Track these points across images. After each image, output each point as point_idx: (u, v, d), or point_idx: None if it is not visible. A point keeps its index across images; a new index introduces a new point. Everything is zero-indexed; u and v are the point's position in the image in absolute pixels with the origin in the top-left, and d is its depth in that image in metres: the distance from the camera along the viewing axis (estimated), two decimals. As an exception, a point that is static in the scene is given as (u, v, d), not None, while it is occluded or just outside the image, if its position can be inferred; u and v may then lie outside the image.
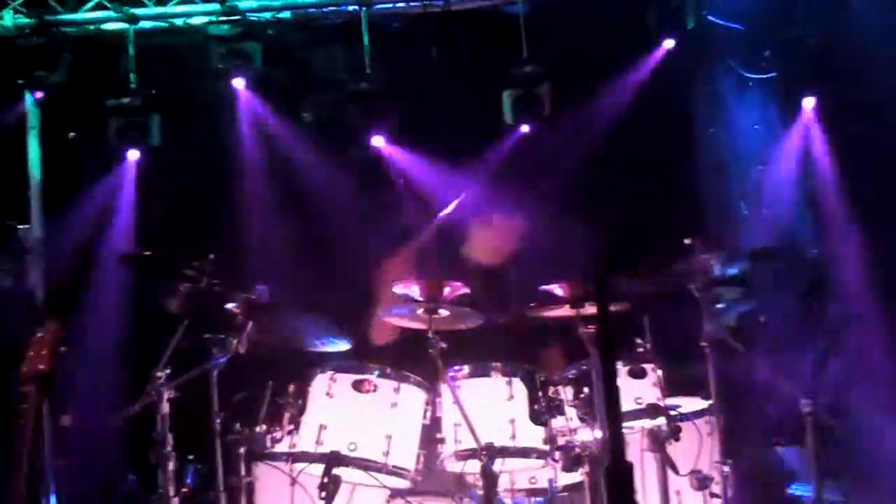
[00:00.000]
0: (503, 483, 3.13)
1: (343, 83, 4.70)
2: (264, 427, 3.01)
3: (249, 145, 4.57)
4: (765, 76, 4.72)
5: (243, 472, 2.99)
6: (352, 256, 4.30)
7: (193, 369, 3.00)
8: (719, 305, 3.55)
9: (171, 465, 2.98)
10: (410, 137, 4.70)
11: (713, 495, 3.25)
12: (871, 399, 3.92)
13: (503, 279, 3.85)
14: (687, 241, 3.24)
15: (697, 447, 3.22)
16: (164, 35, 4.85)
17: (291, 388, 3.03)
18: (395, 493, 3.06)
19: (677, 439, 2.92)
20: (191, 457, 4.52)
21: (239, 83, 4.63)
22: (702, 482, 3.23)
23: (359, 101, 4.60)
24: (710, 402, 3.25)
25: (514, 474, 3.15)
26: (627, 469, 1.60)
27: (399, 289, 3.01)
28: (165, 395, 2.95)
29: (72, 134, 4.89)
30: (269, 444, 3.01)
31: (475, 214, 3.85)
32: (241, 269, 3.11)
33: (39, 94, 4.70)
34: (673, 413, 2.99)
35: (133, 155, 4.67)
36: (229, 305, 3.05)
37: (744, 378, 3.56)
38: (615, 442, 1.65)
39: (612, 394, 1.65)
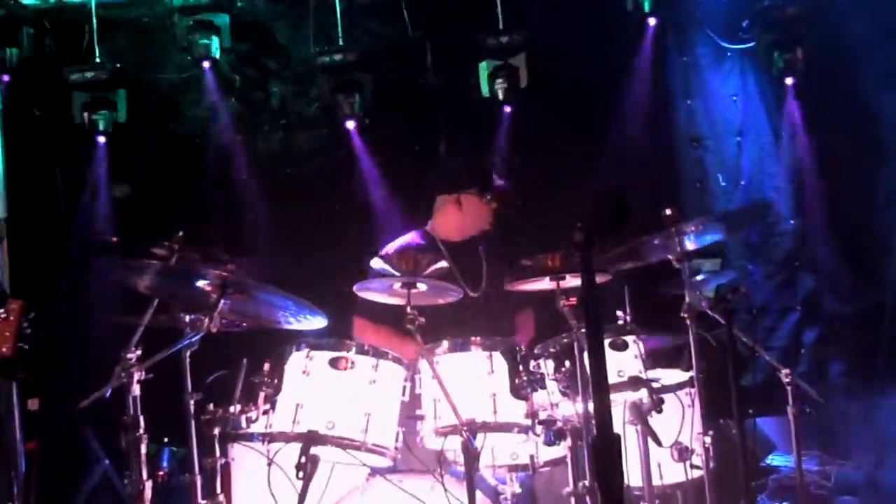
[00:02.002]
0: (484, 459, 3.10)
1: (315, 55, 4.59)
2: (239, 407, 2.93)
3: (219, 121, 4.46)
4: (743, 46, 4.69)
5: (218, 454, 2.92)
6: (326, 232, 4.23)
7: (164, 350, 2.91)
8: (699, 276, 3.54)
9: (143, 449, 2.91)
10: (384, 111, 4.62)
11: (694, 467, 3.25)
12: (847, 368, 3.94)
13: (476, 254, 3.79)
14: (666, 213, 3.22)
15: (678, 419, 3.21)
16: (127, 7, 4.70)
17: (266, 366, 2.96)
18: (375, 471, 3.01)
19: (660, 411, 2.90)
20: (165, 440, 4.47)
21: (206, 62, 4.49)
22: (682, 454, 3.23)
23: (330, 74, 4.50)
24: (691, 373, 3.25)
25: (496, 450, 3.11)
26: (615, 441, 1.57)
27: (375, 263, 2.94)
28: (136, 377, 2.87)
29: (37, 112, 4.73)
30: (244, 424, 2.94)
31: (442, 191, 3.78)
32: (212, 247, 3.02)
33: (6, 78, 4.53)
34: (655, 385, 2.97)
35: (101, 136, 4.53)
36: (200, 283, 2.97)
37: (723, 349, 3.56)
38: (603, 414, 1.61)
39: (599, 366, 1.60)
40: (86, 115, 4.49)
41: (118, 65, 4.53)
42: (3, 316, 2.76)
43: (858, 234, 4.40)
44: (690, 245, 3.30)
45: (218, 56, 4.51)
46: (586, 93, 4.58)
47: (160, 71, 4.68)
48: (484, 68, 4.56)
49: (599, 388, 1.61)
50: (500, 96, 4.58)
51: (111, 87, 4.49)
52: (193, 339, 2.92)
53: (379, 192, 4.64)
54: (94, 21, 4.55)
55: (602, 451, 1.56)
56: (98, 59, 4.55)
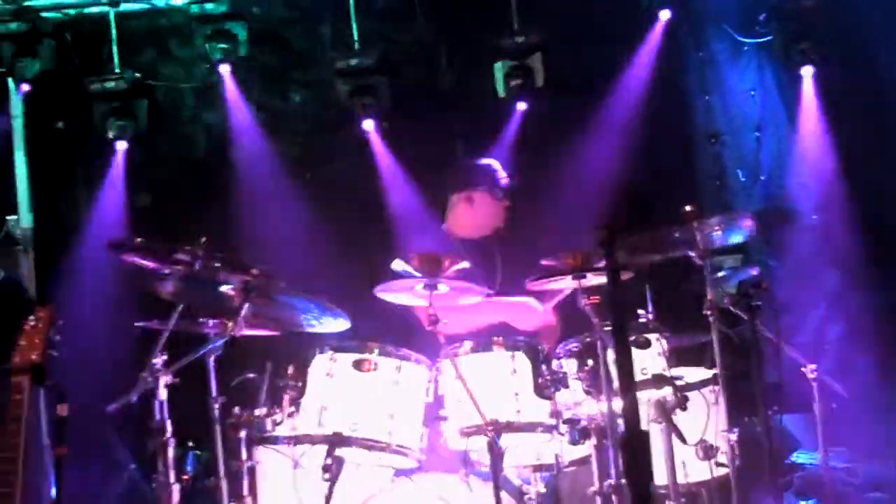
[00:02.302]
0: (508, 459, 3.10)
1: (331, 60, 4.62)
2: (264, 410, 2.96)
3: (238, 129, 4.49)
4: (760, 40, 4.66)
5: (244, 457, 2.95)
6: (348, 236, 4.25)
7: (190, 354, 2.94)
8: (721, 273, 3.52)
9: (170, 453, 2.94)
10: (401, 114, 4.64)
11: (719, 464, 3.23)
12: (873, 363, 3.90)
13: (490, 251, 3.80)
14: (686, 209, 3.20)
15: (703, 417, 3.20)
16: (146, 17, 4.75)
17: (290, 369, 2.98)
18: (400, 472, 3.02)
19: (684, 409, 2.89)
20: (190, 443, 4.51)
21: (225, 69, 4.53)
22: (707, 451, 3.22)
23: (347, 78, 4.53)
24: (715, 371, 3.23)
25: (520, 450, 3.12)
26: (643, 438, 1.57)
27: (397, 265, 2.95)
28: (162, 382, 2.90)
29: (59, 123, 4.80)
30: (269, 427, 2.97)
31: (455, 189, 3.80)
32: (234, 253, 3.05)
33: (26, 87, 4.59)
34: (679, 383, 2.96)
35: (121, 144, 4.59)
36: (224, 288, 3.00)
37: (746, 345, 3.54)
38: (631, 411, 1.61)
39: (625, 362, 1.60)
40: (107, 124, 4.54)
41: (138, 74, 4.59)
42: (32, 324, 2.80)
43: (881, 227, 4.35)
44: (713, 242, 3.29)
45: (236, 63, 4.56)
46: (602, 91, 4.57)
47: (180, 80, 4.73)
48: (499, 69, 4.57)
49: (626, 385, 1.61)
50: (516, 96, 4.58)
51: (132, 96, 4.55)
52: (218, 344, 2.95)
53: (398, 194, 4.66)
54: (114, 31, 4.61)
55: (631, 448, 1.56)
56: (118, 70, 4.61)
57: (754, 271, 3.59)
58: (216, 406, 3.02)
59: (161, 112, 4.58)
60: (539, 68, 4.52)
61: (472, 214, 3.76)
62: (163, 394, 2.92)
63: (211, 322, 3.06)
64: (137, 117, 4.51)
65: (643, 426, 3.04)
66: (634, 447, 1.55)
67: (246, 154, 4.45)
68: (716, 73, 4.72)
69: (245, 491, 2.96)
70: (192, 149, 4.55)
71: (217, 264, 3.02)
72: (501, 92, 4.64)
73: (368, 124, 4.59)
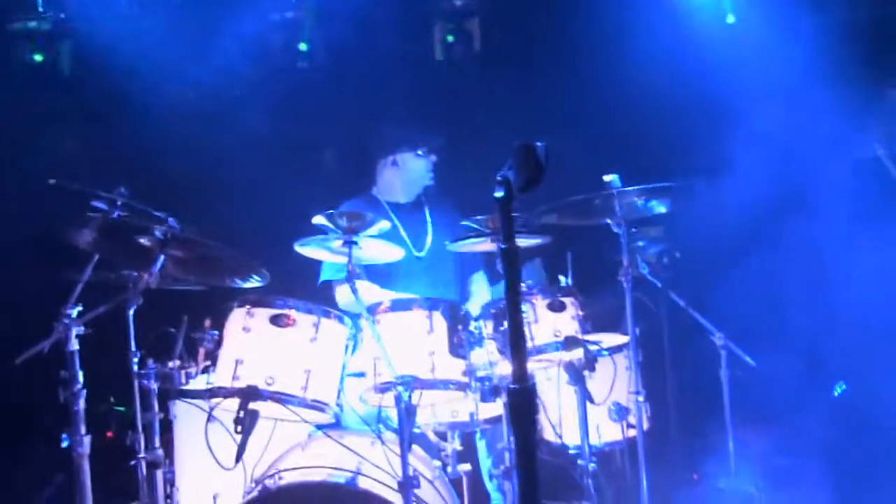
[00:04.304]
0: (426, 416, 3.16)
1: (266, 11, 4.52)
2: (178, 363, 2.94)
3: (166, 72, 4.35)
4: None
5: (157, 409, 2.93)
6: (271, 190, 4.20)
7: (103, 306, 2.90)
8: (640, 242, 3.61)
9: (81, 404, 2.91)
10: (336, 70, 4.57)
11: (630, 426, 3.35)
12: (779, 330, 4.07)
13: (421, 215, 3.84)
14: (607, 178, 3.27)
15: (615, 380, 3.30)
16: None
17: (207, 323, 2.97)
18: (316, 427, 3.05)
19: (593, 369, 2.97)
20: (112, 399, 4.45)
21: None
22: (619, 413, 3.33)
23: (283, 31, 4.45)
24: (629, 336, 3.33)
25: (436, 407, 3.18)
26: (529, 391, 1.62)
27: (317, 220, 2.95)
28: (74, 332, 2.86)
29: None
30: (183, 380, 2.95)
31: (379, 154, 3.82)
32: (154, 203, 2.99)
33: None
34: (591, 346, 3.04)
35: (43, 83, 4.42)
36: (141, 239, 2.95)
37: (660, 312, 3.65)
38: (519, 369, 1.66)
39: (515, 321, 1.65)
40: (28, 61, 4.38)
41: (62, 15, 4.41)
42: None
43: (788, 189, 4.46)
44: (633, 212, 3.37)
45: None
46: (538, 56, 4.58)
47: (102, 21, 4.55)
48: (436, 31, 4.55)
49: (515, 342, 1.65)
50: (452, 60, 4.58)
51: (55, 38, 4.38)
52: (133, 296, 2.91)
53: (328, 155, 4.63)
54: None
55: (516, 401, 1.61)
56: (41, 9, 4.43)
57: (672, 241, 3.70)
58: (134, 360, 3.00)
59: (87, 54, 4.40)
60: (477, 32, 4.51)
61: (399, 177, 3.80)
62: (74, 344, 2.89)
63: (127, 273, 3.02)
64: (60, 59, 4.35)
65: (553, 389, 3.17)
66: (520, 400, 1.60)
67: (166, 100, 4.32)
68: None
69: (157, 442, 2.95)
70: (119, 94, 4.38)
71: (134, 215, 2.97)
72: (439, 55, 4.64)
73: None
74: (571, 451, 3.32)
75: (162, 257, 2.91)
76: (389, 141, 3.81)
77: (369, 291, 3.46)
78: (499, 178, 1.67)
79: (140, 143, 4.32)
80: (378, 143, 3.86)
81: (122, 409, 4.41)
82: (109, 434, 4.36)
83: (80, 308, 2.94)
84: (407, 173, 3.81)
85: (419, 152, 3.75)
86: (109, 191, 2.97)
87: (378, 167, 3.87)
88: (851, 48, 4.16)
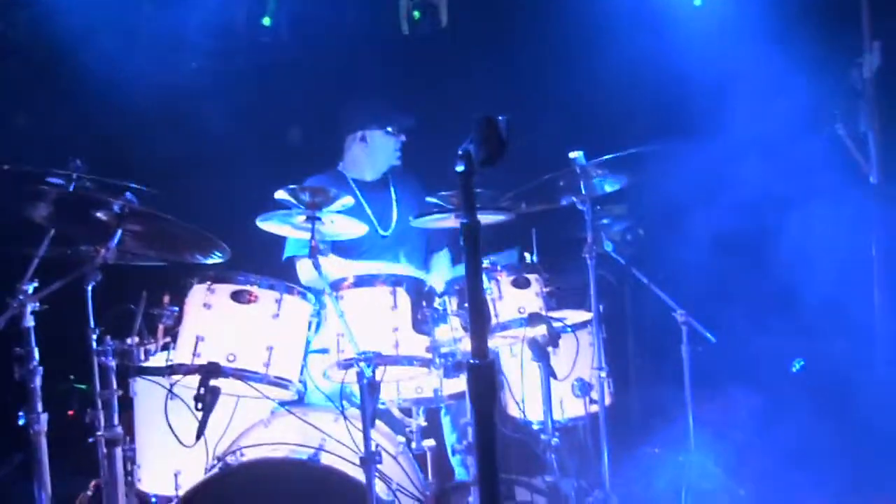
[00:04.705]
0: (390, 392, 3.16)
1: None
2: (137, 340, 2.90)
3: (124, 42, 4.23)
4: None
5: (115, 386, 2.89)
6: (234, 166, 4.14)
7: (59, 281, 2.84)
8: (604, 220, 3.63)
9: (38, 381, 2.86)
10: (300, 45, 4.50)
11: (592, 401, 3.39)
12: (739, 309, 4.13)
13: (386, 192, 3.82)
14: (573, 155, 3.28)
15: (578, 356, 3.33)
16: None
17: (166, 299, 2.93)
18: (279, 404, 3.03)
19: (556, 346, 2.99)
20: (72, 377, 4.38)
21: None
22: (582, 389, 3.37)
23: (245, 5, 4.37)
24: (592, 313, 3.36)
25: (401, 383, 3.18)
26: (489, 365, 1.62)
27: (280, 195, 2.91)
28: (29, 308, 2.80)
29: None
30: (143, 357, 2.91)
31: (348, 130, 3.80)
32: (111, 176, 2.92)
33: None
34: (555, 323, 3.06)
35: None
36: (98, 214, 2.89)
37: (623, 289, 3.69)
38: (478, 341, 1.66)
39: (476, 296, 1.64)
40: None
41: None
42: None
43: (755, 179, 4.52)
44: (596, 189, 3.38)
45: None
46: (505, 33, 4.56)
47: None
48: (402, 6, 4.51)
49: (476, 317, 1.65)
50: (418, 35, 4.54)
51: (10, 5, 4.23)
52: (90, 271, 2.86)
53: (293, 131, 4.57)
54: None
55: (476, 375, 1.61)
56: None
57: (636, 219, 3.73)
58: (92, 337, 2.95)
59: (42, 22, 4.24)
60: (443, 7, 4.47)
61: (367, 154, 3.77)
62: (30, 320, 2.83)
63: (83, 248, 2.96)
64: (15, 26, 4.20)
65: (517, 364, 3.19)
66: (479, 374, 1.61)
67: (132, 73, 4.20)
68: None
69: (116, 421, 2.91)
70: (73, 64, 4.24)
71: (91, 189, 2.91)
72: (405, 29, 4.59)
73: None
74: (535, 427, 3.35)
75: (119, 232, 2.85)
76: (359, 117, 3.77)
77: (333, 266, 3.43)
78: (459, 153, 1.65)
79: (98, 116, 4.22)
80: (347, 118, 3.82)
81: (83, 386, 4.35)
82: (70, 413, 4.30)
83: (35, 284, 2.88)
84: (375, 151, 3.78)
85: (389, 130, 3.73)
86: (65, 164, 2.90)
87: (346, 142, 3.84)
88: (812, 27, 4.20)
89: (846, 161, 4.39)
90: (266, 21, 4.57)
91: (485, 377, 1.61)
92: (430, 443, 3.21)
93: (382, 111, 3.77)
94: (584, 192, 3.29)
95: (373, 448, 2.65)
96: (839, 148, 4.40)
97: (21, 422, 2.89)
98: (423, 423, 3.25)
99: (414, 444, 3.18)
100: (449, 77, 4.61)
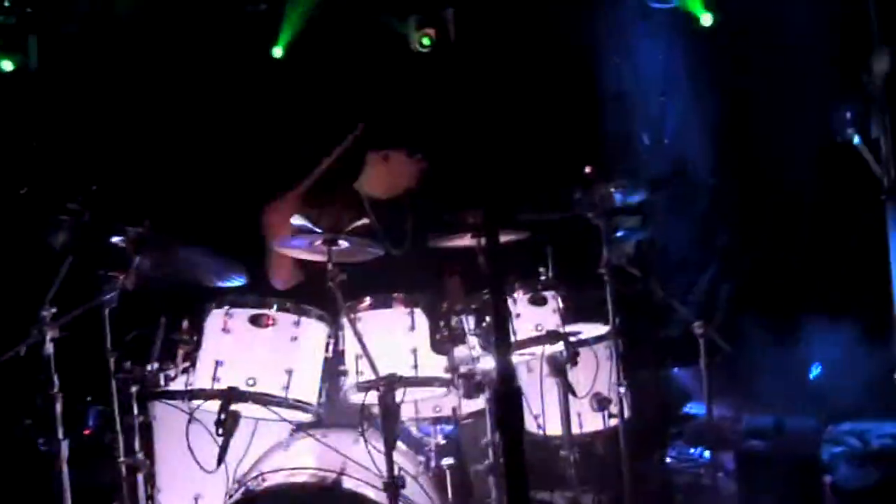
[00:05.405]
0: (408, 412, 3.16)
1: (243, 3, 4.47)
2: (157, 365, 2.91)
3: (138, 67, 4.26)
4: (667, 6, 4.74)
5: (136, 412, 2.90)
6: (247, 189, 4.15)
7: (79, 308, 2.86)
8: (618, 233, 3.63)
9: (58, 407, 2.87)
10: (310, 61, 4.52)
11: (612, 416, 3.38)
12: (759, 321, 4.12)
13: (401, 212, 3.81)
14: (587, 170, 3.28)
15: (595, 370, 3.33)
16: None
17: (185, 324, 2.93)
18: (298, 426, 3.03)
19: (575, 363, 2.99)
20: (89, 398, 4.40)
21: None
22: (601, 403, 3.36)
23: (255, 20, 4.39)
24: (609, 327, 3.35)
25: (419, 403, 3.17)
26: (515, 390, 1.62)
27: (296, 220, 2.92)
28: (49, 335, 2.82)
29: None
30: (162, 381, 2.92)
31: (371, 147, 3.78)
32: (128, 203, 2.95)
33: None
34: (572, 339, 3.06)
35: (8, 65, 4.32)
36: (115, 240, 2.91)
37: (640, 303, 3.68)
38: (504, 364, 1.66)
39: (500, 318, 1.64)
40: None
41: (28, 9, 4.31)
42: None
43: (772, 190, 4.54)
44: (612, 203, 3.38)
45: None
46: (512, 50, 4.57)
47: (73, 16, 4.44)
48: (412, 22, 4.51)
49: (500, 340, 1.65)
50: (427, 51, 4.54)
51: (21, 32, 4.28)
52: (109, 297, 2.88)
53: (306, 145, 4.57)
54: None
55: (502, 399, 1.61)
56: (7, 3, 4.33)
57: (651, 232, 3.73)
58: (111, 360, 2.96)
59: (53, 50, 4.29)
60: (451, 24, 4.47)
61: (387, 174, 3.75)
62: (49, 347, 2.85)
63: (102, 275, 2.98)
64: (28, 54, 4.25)
65: (536, 382, 3.19)
66: (505, 398, 1.60)
67: (147, 97, 4.23)
68: (624, 35, 4.79)
69: (138, 446, 2.92)
70: (86, 90, 4.28)
71: (108, 216, 2.93)
72: (415, 46, 4.59)
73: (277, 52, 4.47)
74: (554, 443, 3.34)
75: (137, 258, 2.87)
76: (384, 135, 3.74)
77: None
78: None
79: (110, 138, 4.25)
80: (372, 134, 3.78)
81: (103, 408, 4.37)
82: (87, 432, 4.32)
83: (54, 310, 2.90)
84: (395, 172, 3.74)
85: (413, 154, 3.69)
86: (80, 192, 2.93)
87: (368, 160, 3.80)
88: (826, 32, 4.20)
89: (860, 167, 4.37)
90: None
91: (512, 403, 1.61)
92: (448, 461, 3.20)
93: (408, 133, 3.73)
94: (599, 207, 3.29)
95: (395, 472, 2.64)
96: (852, 154, 4.39)
97: (42, 448, 2.91)
98: (442, 442, 3.25)
99: (433, 464, 3.18)
100: (461, 93, 4.61)
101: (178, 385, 2.96)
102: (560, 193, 3.26)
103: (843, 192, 4.03)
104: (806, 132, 4.18)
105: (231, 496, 2.85)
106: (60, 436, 2.87)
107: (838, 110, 4.15)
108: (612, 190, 3.34)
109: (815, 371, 4.65)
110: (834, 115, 3.73)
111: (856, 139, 4.27)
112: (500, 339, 1.64)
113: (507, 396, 1.60)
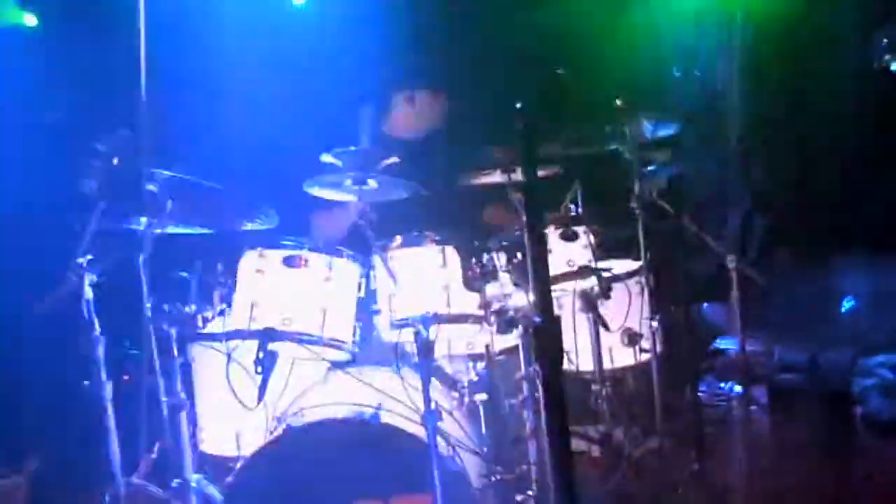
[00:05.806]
0: (442, 349, 3.19)
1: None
2: (194, 307, 2.96)
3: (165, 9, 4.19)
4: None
5: (176, 354, 2.96)
6: (278, 126, 4.13)
7: (115, 252, 2.89)
8: (649, 168, 3.57)
9: (100, 350, 2.93)
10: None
11: (643, 350, 3.39)
12: (792, 255, 4.07)
13: (430, 150, 3.78)
14: (618, 103, 3.22)
15: (627, 306, 3.32)
16: None
17: (220, 266, 2.97)
18: (334, 364, 3.08)
19: (608, 297, 2.99)
20: (127, 344, 4.49)
21: None
22: (632, 338, 3.37)
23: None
24: (641, 262, 3.33)
25: (452, 340, 3.20)
26: (554, 323, 1.62)
27: (326, 159, 2.91)
28: (87, 280, 2.86)
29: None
30: (200, 324, 2.97)
31: (396, 89, 3.73)
32: (157, 147, 2.94)
33: None
34: (604, 274, 3.05)
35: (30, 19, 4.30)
36: (148, 185, 2.92)
37: (672, 238, 3.64)
38: (543, 300, 1.66)
39: (539, 253, 1.64)
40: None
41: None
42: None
43: (807, 121, 4.43)
44: (643, 137, 3.32)
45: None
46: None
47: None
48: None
49: (539, 275, 1.65)
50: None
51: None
52: (144, 242, 2.90)
53: (334, 87, 4.52)
54: None
55: (542, 333, 1.61)
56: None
57: (682, 166, 3.67)
58: (148, 305, 3.01)
59: None
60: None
61: (413, 114, 3.72)
62: (89, 292, 2.90)
63: (136, 220, 3.00)
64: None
65: (570, 316, 3.19)
66: (546, 332, 1.61)
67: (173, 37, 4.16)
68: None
69: (179, 386, 2.99)
70: (114, 31, 4.22)
71: (139, 159, 2.93)
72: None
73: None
74: (586, 378, 3.36)
75: (170, 202, 2.88)
76: (407, 75, 3.69)
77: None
78: (518, 109, 1.62)
79: (137, 83, 4.21)
80: (396, 74, 3.74)
81: (136, 352, 4.46)
82: (125, 378, 4.41)
83: (90, 257, 2.94)
84: (421, 111, 3.71)
85: (438, 93, 3.65)
86: (110, 134, 2.92)
87: (392, 100, 3.77)
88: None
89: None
90: None
91: (551, 337, 1.61)
92: (482, 397, 3.24)
93: (432, 70, 3.68)
94: (631, 141, 3.23)
95: (432, 406, 2.68)
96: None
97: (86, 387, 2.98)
98: (475, 378, 3.28)
99: (467, 399, 3.22)
100: (492, 28, 4.50)
101: (215, 327, 3.01)
102: (590, 127, 3.20)
103: (882, 120, 3.91)
104: (844, 58, 4.04)
105: (272, 432, 2.92)
106: (103, 378, 2.93)
107: (878, 35, 4.01)
108: (644, 123, 3.27)
109: (848, 304, 4.61)
110: (875, 39, 3.62)
111: (894, 65, 4.14)
112: (538, 270, 1.63)
113: (546, 330, 1.60)
